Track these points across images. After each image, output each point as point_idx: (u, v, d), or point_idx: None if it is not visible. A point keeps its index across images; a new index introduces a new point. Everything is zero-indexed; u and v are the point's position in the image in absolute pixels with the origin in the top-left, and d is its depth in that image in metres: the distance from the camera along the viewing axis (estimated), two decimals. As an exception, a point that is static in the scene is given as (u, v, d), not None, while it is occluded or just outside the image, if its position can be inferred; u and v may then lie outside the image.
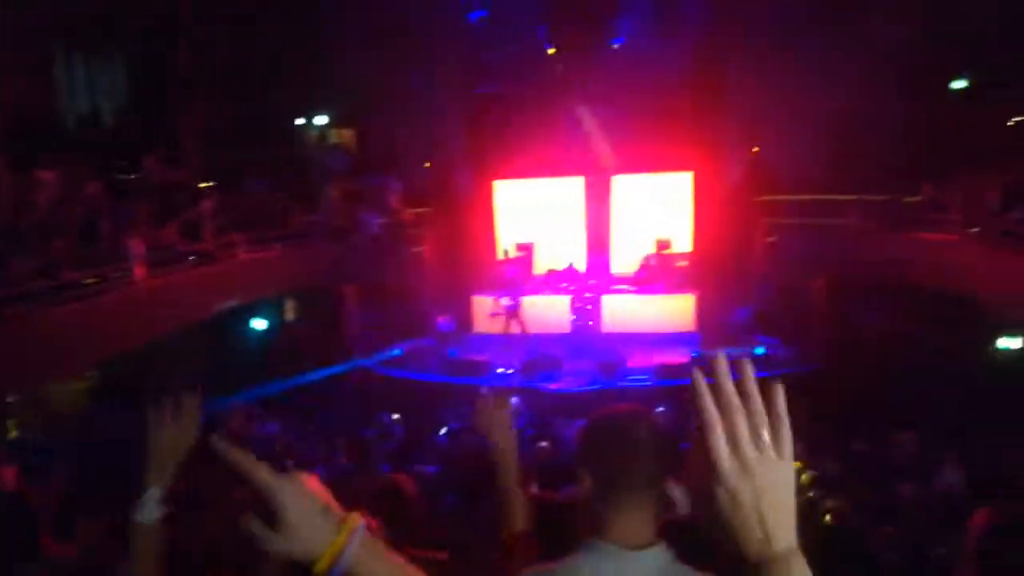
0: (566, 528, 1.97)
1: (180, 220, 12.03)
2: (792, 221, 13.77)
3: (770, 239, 14.05)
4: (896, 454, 9.18)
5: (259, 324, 13.16)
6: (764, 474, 0.92)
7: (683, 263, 15.43)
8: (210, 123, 14.52)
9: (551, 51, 15.72)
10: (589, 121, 15.26)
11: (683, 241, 15.76)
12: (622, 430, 1.66)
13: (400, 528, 2.62)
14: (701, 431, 0.94)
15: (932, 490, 8.14)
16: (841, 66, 13.16)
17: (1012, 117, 13.87)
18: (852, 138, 13.10)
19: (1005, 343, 10.94)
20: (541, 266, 15.81)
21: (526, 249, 15.77)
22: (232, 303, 12.52)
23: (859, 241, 12.89)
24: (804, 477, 7.53)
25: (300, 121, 16.99)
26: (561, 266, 15.27)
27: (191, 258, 11.80)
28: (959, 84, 13.96)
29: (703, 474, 0.94)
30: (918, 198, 12.55)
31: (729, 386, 0.94)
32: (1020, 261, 10.10)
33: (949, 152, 12.81)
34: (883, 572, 5.71)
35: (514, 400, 11.05)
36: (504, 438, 2.17)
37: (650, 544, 1.61)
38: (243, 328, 13.01)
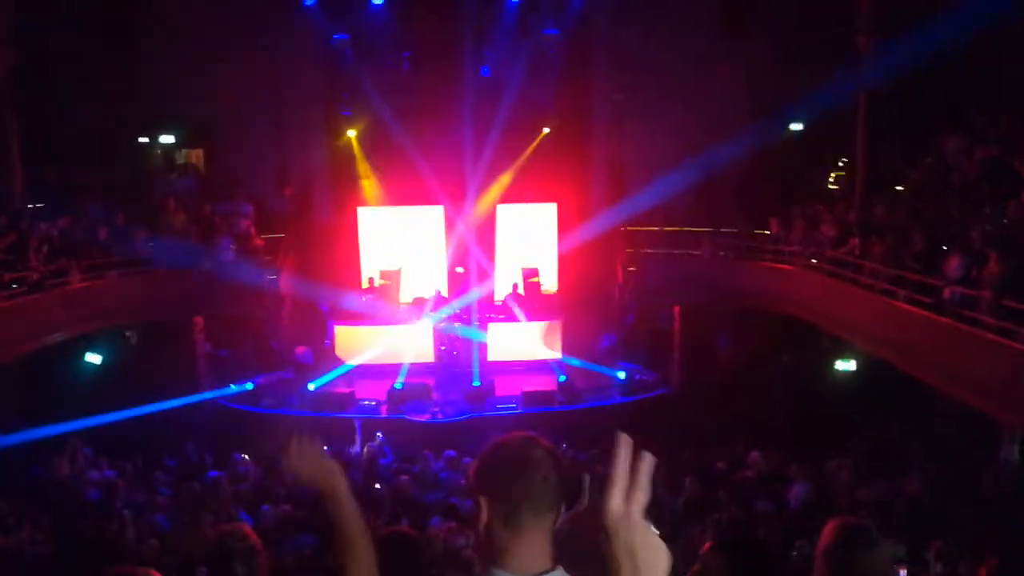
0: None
1: (3, 246, 10.79)
2: (652, 251, 14.30)
3: (631, 268, 14.51)
4: (750, 473, 9.61)
5: (93, 358, 11.95)
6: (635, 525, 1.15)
7: (548, 291, 15.62)
8: (39, 138, 13.15)
9: (413, 75, 15.60)
10: (455, 149, 15.21)
11: (549, 270, 15.98)
12: (519, 457, 1.63)
13: None
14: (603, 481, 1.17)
15: (784, 505, 8.56)
16: (698, 106, 13.95)
17: (840, 159, 15.18)
18: (707, 173, 13.85)
19: (841, 365, 11.78)
20: (407, 294, 15.48)
21: (392, 277, 15.39)
22: (61, 335, 11.31)
23: (712, 271, 13.57)
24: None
25: (143, 140, 15.78)
26: (427, 294, 15.03)
27: (14, 286, 10.58)
28: (795, 126, 15.12)
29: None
30: (766, 232, 13.40)
31: (630, 463, 1.16)
32: (851, 291, 10.95)
33: (790, 189, 13.83)
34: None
35: (379, 436, 10.63)
36: (325, 480, 1.97)
37: (548, 570, 1.60)
38: (74, 363, 11.77)
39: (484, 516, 1.64)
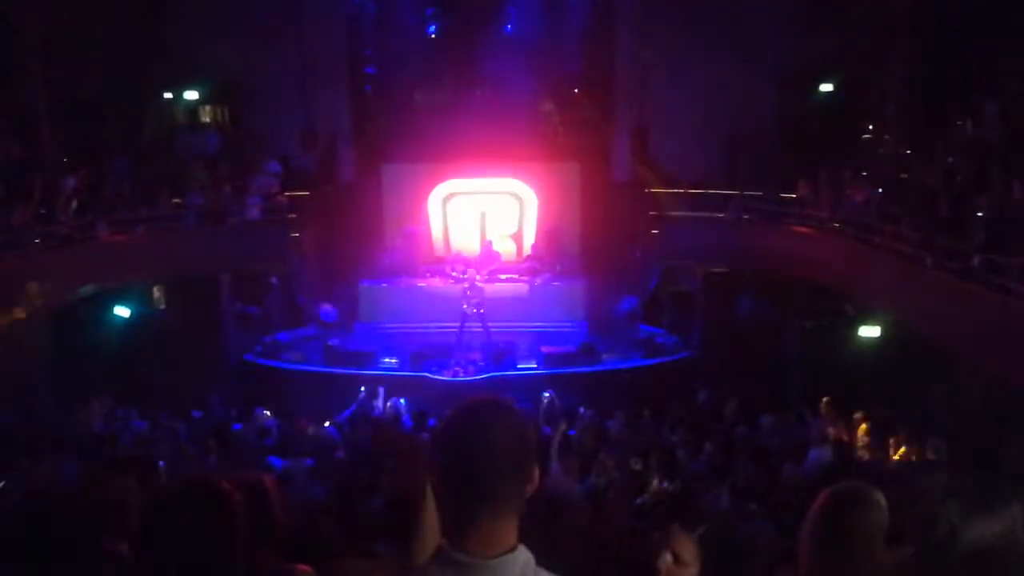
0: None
1: (34, 200, 10.95)
2: (676, 214, 14.18)
3: (655, 231, 14.41)
4: (770, 437, 9.64)
5: (122, 312, 12.16)
6: None
7: (571, 253, 15.56)
8: (65, 95, 13.21)
9: (437, 34, 15.42)
10: (480, 108, 15.09)
11: (571, 231, 15.89)
12: (475, 433, 1.50)
13: (258, 530, 2.36)
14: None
15: (805, 470, 8.58)
16: (725, 67, 13.69)
17: (869, 123, 14.85)
18: (734, 136, 13.66)
19: (866, 331, 11.66)
20: (430, 253, 15.51)
21: (415, 236, 15.42)
22: (90, 289, 11.51)
23: (737, 234, 13.44)
24: None
25: (168, 95, 15.79)
26: (450, 254, 15.05)
27: (38, 241, 10.76)
28: (826, 87, 14.79)
29: None
30: (793, 195, 13.22)
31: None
32: (878, 255, 10.81)
33: (818, 151, 13.58)
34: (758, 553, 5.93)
35: (380, 390, 10.72)
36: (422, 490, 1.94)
37: (506, 552, 1.49)
38: (104, 316, 11.99)
39: (442, 486, 1.55)
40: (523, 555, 1.52)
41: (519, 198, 15.88)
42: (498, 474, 1.49)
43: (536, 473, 1.56)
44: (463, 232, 15.83)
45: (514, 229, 15.86)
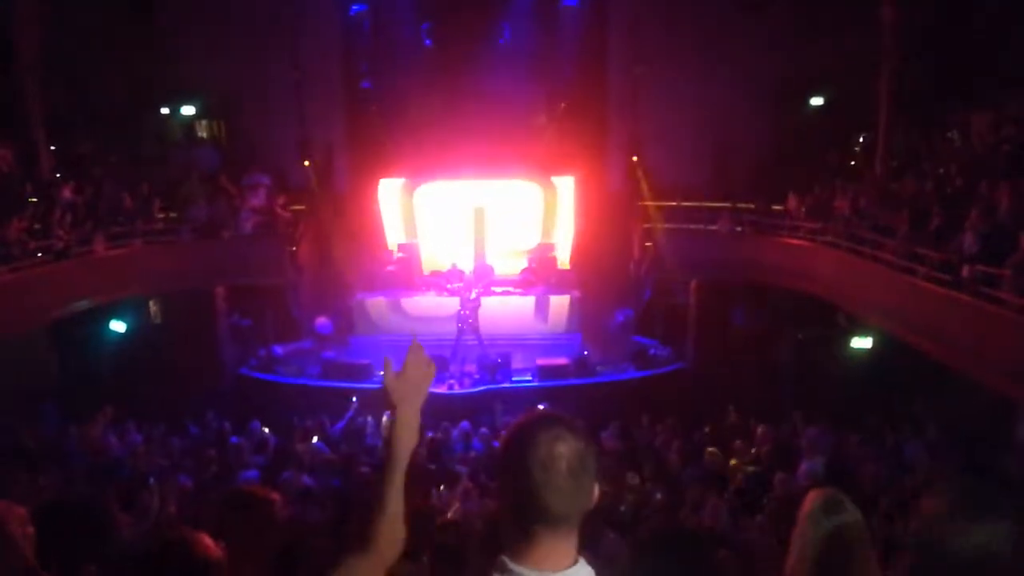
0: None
1: (28, 214, 10.97)
2: (669, 226, 14.27)
3: (648, 243, 14.50)
4: (761, 446, 9.67)
5: (118, 326, 12.18)
6: None
7: (564, 265, 15.64)
8: (61, 109, 13.28)
9: (433, 47, 15.54)
10: (474, 121, 15.19)
11: (565, 244, 15.99)
12: (541, 460, 1.46)
13: (255, 542, 2.38)
14: None
15: (796, 479, 8.62)
16: (717, 81, 13.82)
17: (861, 134, 15.00)
18: (726, 149, 13.77)
19: (858, 342, 11.75)
20: (425, 266, 15.57)
21: (410, 249, 15.49)
22: (86, 303, 11.53)
23: (729, 246, 13.53)
24: None
25: (165, 111, 15.88)
26: (445, 267, 15.11)
27: (39, 255, 10.78)
28: (816, 101, 14.96)
29: None
30: (782, 207, 13.33)
31: None
32: (869, 267, 10.90)
33: (808, 164, 13.72)
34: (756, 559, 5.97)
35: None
36: (406, 400, 1.82)
37: (567, 567, 1.50)
38: (100, 331, 12.01)
39: (502, 502, 1.54)
40: (583, 570, 1.52)
41: (514, 212, 15.98)
42: (559, 496, 1.46)
43: (596, 489, 1.53)
44: (458, 245, 15.89)
45: (508, 243, 15.93)
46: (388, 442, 1.80)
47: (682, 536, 3.18)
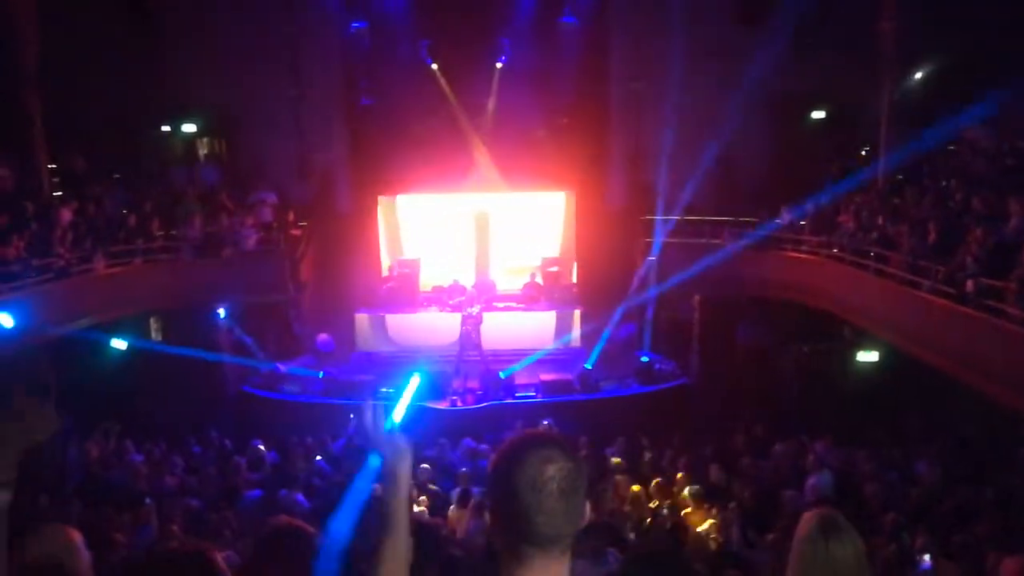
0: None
1: (29, 232, 10.96)
2: (671, 240, 14.25)
3: (651, 257, 14.48)
4: (772, 463, 9.61)
5: (119, 345, 12.12)
6: None
7: (567, 280, 15.62)
8: (60, 127, 13.29)
9: (434, 66, 15.61)
10: (474, 138, 15.23)
11: (568, 259, 15.97)
12: (531, 482, 1.44)
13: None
14: None
15: (804, 495, 8.55)
16: (717, 95, 13.85)
17: (863, 147, 15.02)
18: (727, 163, 13.78)
19: (863, 356, 11.70)
20: (426, 283, 15.55)
21: (411, 265, 15.47)
22: (87, 322, 11.48)
23: (732, 260, 13.50)
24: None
25: (166, 129, 15.90)
26: (446, 283, 15.09)
27: (41, 274, 10.76)
28: (817, 114, 14.99)
29: None
30: (782, 220, 13.32)
31: None
32: (873, 280, 10.88)
33: (811, 177, 13.72)
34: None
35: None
36: (393, 454, 1.77)
37: None
38: (101, 349, 11.95)
39: (492, 524, 1.53)
40: None
41: (516, 227, 15.99)
42: (549, 517, 1.44)
43: (587, 510, 1.52)
44: (459, 261, 15.88)
45: (511, 258, 15.93)
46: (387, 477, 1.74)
47: (669, 556, 3.17)
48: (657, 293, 14.29)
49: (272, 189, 14.87)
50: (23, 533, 2.24)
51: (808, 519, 2.27)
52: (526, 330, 14.48)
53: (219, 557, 1.95)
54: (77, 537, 2.28)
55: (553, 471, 1.45)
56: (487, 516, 1.54)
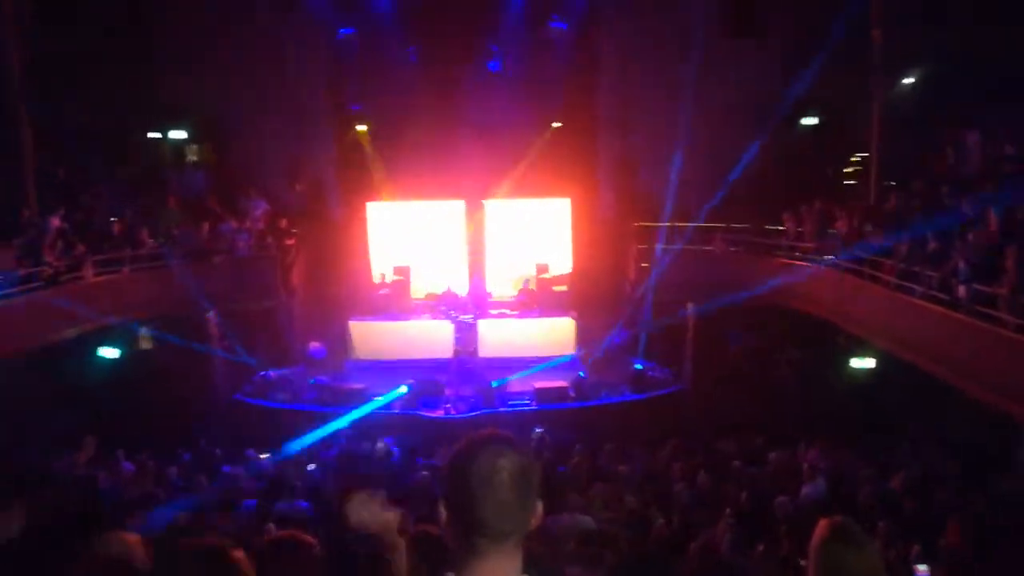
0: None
1: (19, 240, 10.87)
2: (665, 246, 14.24)
3: (644, 264, 14.47)
4: (766, 469, 9.58)
5: (109, 352, 12.01)
6: None
7: (561, 287, 15.59)
8: (51, 134, 13.18)
9: (422, 71, 15.58)
10: (465, 144, 15.20)
11: (562, 266, 15.95)
12: (482, 473, 1.50)
13: None
14: None
15: (799, 502, 8.52)
16: (708, 102, 13.88)
17: (855, 153, 15.08)
18: (718, 169, 13.79)
19: (858, 362, 11.69)
20: (419, 290, 15.49)
21: (403, 273, 15.41)
22: (75, 330, 11.37)
23: (725, 267, 13.51)
24: None
25: (155, 135, 15.80)
26: (439, 290, 15.03)
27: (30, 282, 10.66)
28: (809, 120, 15.04)
29: None
30: (778, 228, 13.35)
31: None
32: (866, 287, 10.89)
33: (803, 183, 13.75)
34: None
35: (386, 439, 10.59)
36: (388, 532, 1.90)
37: None
38: (90, 357, 11.84)
39: (444, 520, 1.57)
40: None
41: (509, 234, 15.96)
42: (500, 509, 1.49)
43: (539, 508, 1.57)
44: (451, 268, 15.83)
45: (504, 265, 15.89)
46: None
47: (661, 564, 3.19)
48: (651, 299, 14.27)
49: (262, 197, 14.79)
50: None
51: (823, 527, 2.28)
52: (521, 337, 14.43)
53: (239, 554, 1.92)
54: (135, 539, 2.50)
55: (505, 463, 1.50)
56: (441, 510, 1.56)
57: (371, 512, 1.89)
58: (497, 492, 1.49)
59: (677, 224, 14.37)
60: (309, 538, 2.24)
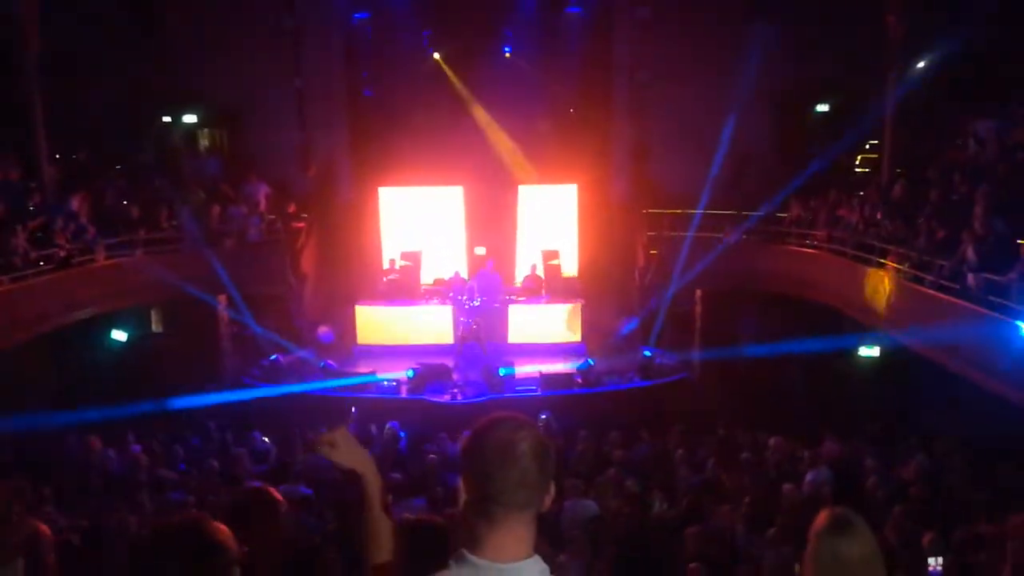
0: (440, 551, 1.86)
1: (32, 224, 10.95)
2: (673, 234, 14.18)
3: (653, 251, 14.42)
4: (771, 458, 9.56)
5: (119, 336, 12.13)
6: None
7: (569, 274, 15.57)
8: (64, 118, 13.25)
9: (436, 56, 15.55)
10: (476, 130, 15.17)
11: (569, 252, 15.91)
12: (502, 445, 1.58)
13: (265, 541, 2.39)
14: None
15: (803, 490, 8.51)
16: (721, 88, 13.76)
17: (867, 141, 14.92)
18: (731, 156, 13.70)
19: (865, 352, 11.64)
20: (428, 275, 15.51)
21: (413, 258, 15.43)
22: (87, 313, 11.48)
23: (735, 254, 13.44)
24: None
25: (167, 119, 15.86)
26: (448, 275, 15.05)
27: (41, 264, 10.75)
28: (822, 108, 14.89)
29: None
30: (787, 215, 13.25)
31: None
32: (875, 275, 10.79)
33: (813, 171, 13.62)
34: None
35: (392, 423, 10.63)
36: (359, 463, 1.92)
37: (523, 558, 1.59)
38: (101, 340, 11.96)
39: (463, 497, 1.63)
40: (538, 564, 1.60)
41: (516, 219, 15.92)
42: (520, 477, 1.56)
43: (553, 487, 1.63)
44: (461, 253, 15.83)
45: (511, 250, 15.87)
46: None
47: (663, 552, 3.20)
48: (660, 286, 14.20)
49: (269, 180, 14.82)
50: None
51: (822, 517, 2.29)
52: (527, 323, 14.44)
53: (219, 526, 1.94)
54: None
55: (524, 436, 1.59)
56: (460, 484, 1.63)
57: (348, 448, 1.92)
58: (519, 461, 1.56)
59: (687, 211, 14.27)
60: (276, 493, 2.30)
